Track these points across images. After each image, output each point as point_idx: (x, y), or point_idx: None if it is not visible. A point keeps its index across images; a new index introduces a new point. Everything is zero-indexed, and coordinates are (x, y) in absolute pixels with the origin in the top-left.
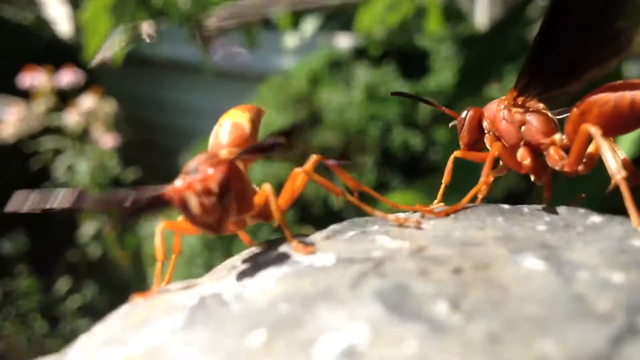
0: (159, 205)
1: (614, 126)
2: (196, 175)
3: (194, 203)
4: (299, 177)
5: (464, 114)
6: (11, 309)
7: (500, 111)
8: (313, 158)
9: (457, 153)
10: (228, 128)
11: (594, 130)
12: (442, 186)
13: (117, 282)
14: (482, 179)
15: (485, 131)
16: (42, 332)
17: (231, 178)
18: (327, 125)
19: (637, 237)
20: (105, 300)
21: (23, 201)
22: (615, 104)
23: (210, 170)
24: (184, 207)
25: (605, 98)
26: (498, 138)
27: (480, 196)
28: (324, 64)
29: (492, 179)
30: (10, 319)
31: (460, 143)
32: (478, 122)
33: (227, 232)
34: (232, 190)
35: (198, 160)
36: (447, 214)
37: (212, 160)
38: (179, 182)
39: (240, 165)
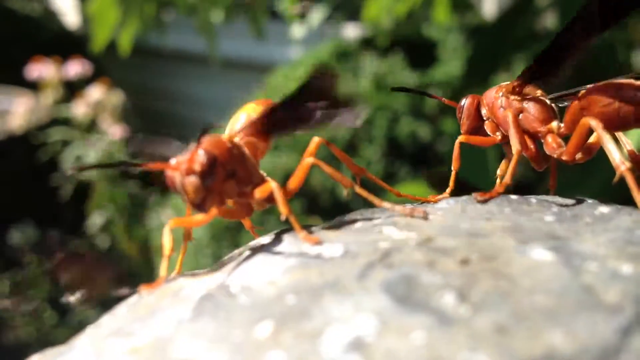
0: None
1: (614, 124)
2: (185, 155)
3: (178, 181)
4: (306, 164)
5: (462, 102)
6: (20, 299)
7: (499, 98)
8: (315, 141)
9: (461, 138)
10: (242, 120)
11: (595, 124)
12: (453, 172)
13: (126, 272)
14: (516, 148)
15: (485, 118)
16: (51, 322)
17: (220, 159)
18: None
19: None
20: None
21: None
22: (618, 105)
23: (199, 151)
24: (173, 185)
25: (608, 97)
26: (497, 125)
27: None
28: (331, 54)
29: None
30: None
31: (461, 130)
32: (476, 109)
33: (229, 217)
34: (216, 171)
35: (199, 142)
36: (491, 197)
37: (208, 142)
38: (172, 162)
39: (244, 149)
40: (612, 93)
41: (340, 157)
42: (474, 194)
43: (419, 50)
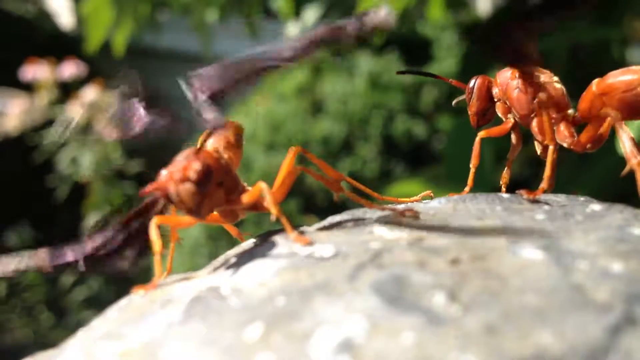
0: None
1: (633, 112)
2: (177, 165)
3: (173, 190)
4: (294, 172)
5: (472, 83)
6: (17, 301)
7: (515, 79)
8: (293, 150)
9: (481, 134)
10: (214, 137)
11: (615, 115)
12: (472, 170)
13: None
14: (549, 137)
15: (495, 99)
16: (48, 324)
17: (213, 168)
18: (330, 115)
19: (637, 226)
20: (110, 292)
21: None
22: None
23: (194, 159)
24: (167, 196)
25: (630, 83)
26: (509, 107)
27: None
28: (326, 53)
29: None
30: (16, 312)
31: (469, 112)
32: (487, 90)
33: (216, 222)
34: (211, 179)
35: (184, 153)
36: (535, 196)
37: (196, 152)
38: (163, 173)
39: (226, 159)
40: (633, 78)
41: (317, 163)
42: (519, 192)
43: (413, 49)
